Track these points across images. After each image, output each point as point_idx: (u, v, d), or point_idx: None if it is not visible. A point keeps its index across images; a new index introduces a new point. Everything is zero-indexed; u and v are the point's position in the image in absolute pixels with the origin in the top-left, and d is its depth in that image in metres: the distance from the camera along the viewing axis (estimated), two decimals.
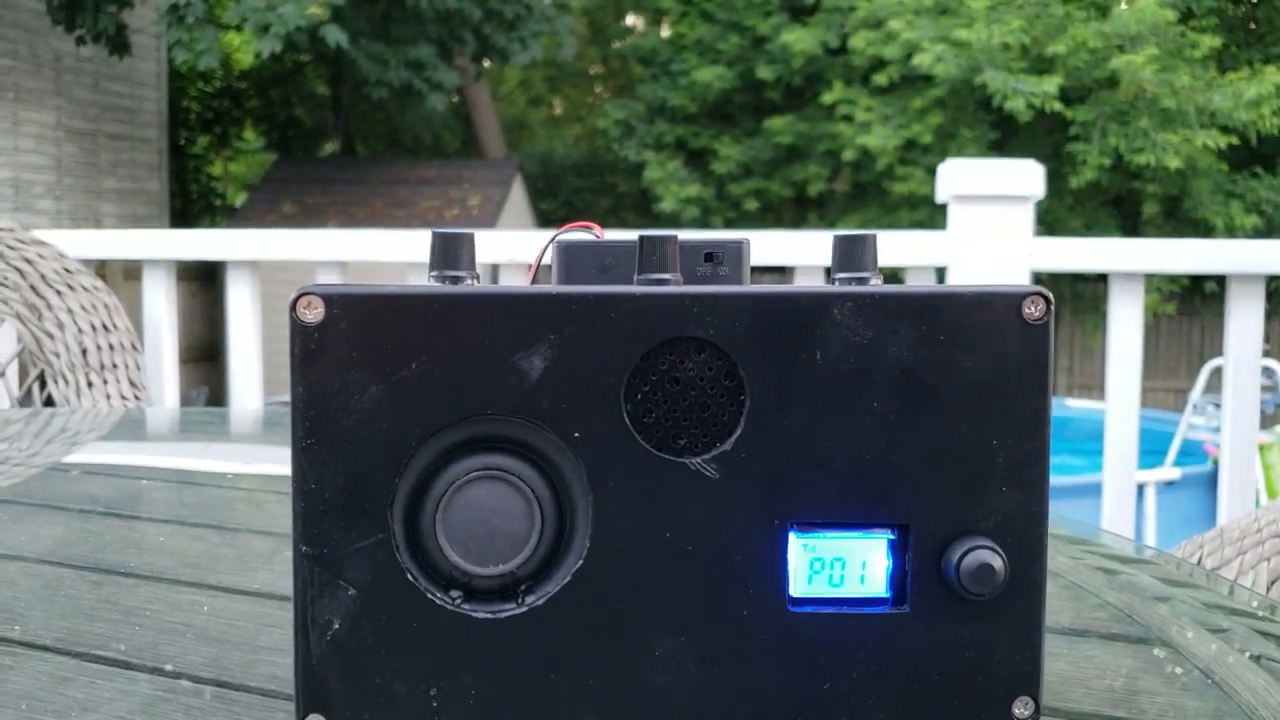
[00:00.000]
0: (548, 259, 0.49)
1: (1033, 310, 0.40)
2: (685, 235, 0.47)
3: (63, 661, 0.52)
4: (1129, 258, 2.10)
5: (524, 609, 0.40)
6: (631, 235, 0.45)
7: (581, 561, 0.40)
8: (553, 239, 0.49)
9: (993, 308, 0.40)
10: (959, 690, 0.41)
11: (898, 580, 0.41)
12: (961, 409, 0.40)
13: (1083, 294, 11.85)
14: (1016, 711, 0.41)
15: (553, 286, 0.41)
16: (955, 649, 0.41)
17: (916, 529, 0.41)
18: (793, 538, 0.41)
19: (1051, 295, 0.41)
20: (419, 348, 0.39)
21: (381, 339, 0.39)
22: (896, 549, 0.41)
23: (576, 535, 0.41)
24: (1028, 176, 2.09)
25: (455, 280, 0.42)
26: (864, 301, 0.40)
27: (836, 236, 0.43)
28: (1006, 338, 0.40)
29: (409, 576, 0.40)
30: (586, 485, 0.40)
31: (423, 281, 0.42)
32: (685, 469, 0.40)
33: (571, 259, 0.47)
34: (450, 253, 0.42)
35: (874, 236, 0.43)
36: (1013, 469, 0.41)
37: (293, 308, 0.39)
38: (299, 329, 0.39)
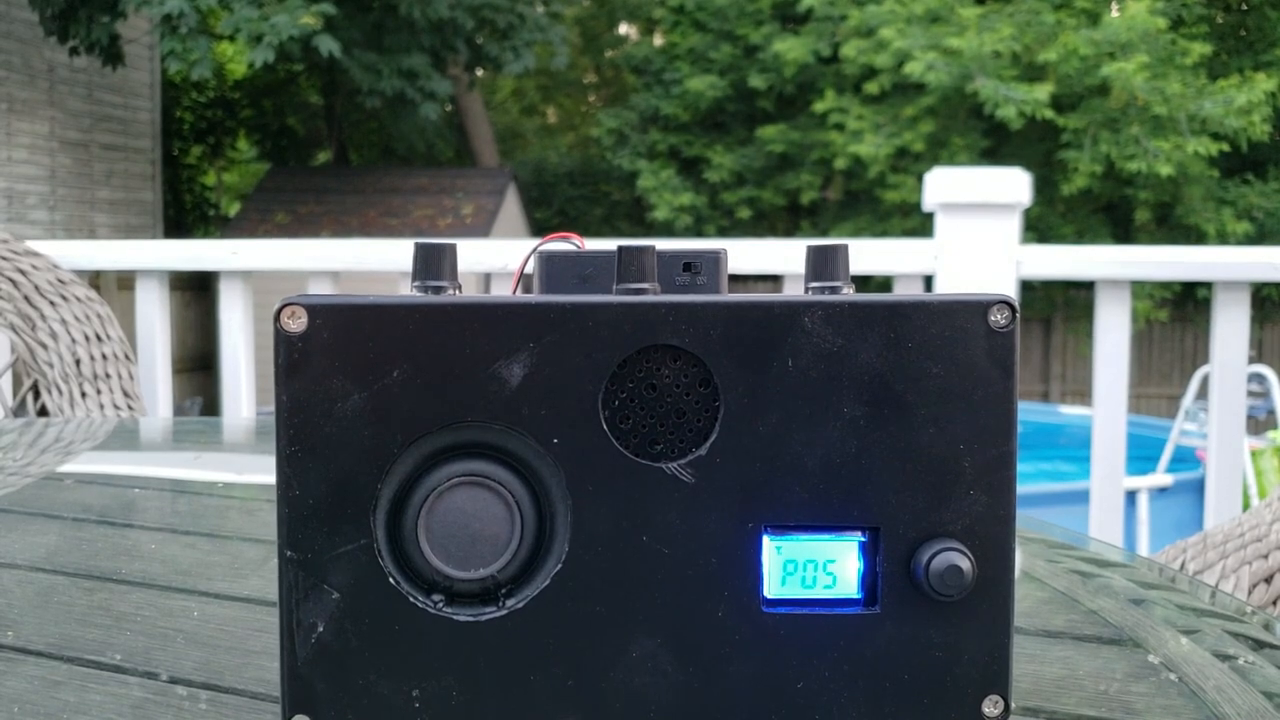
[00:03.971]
0: (530, 268, 0.50)
1: (998, 318, 0.41)
2: (664, 245, 0.48)
3: (55, 666, 0.53)
4: (1115, 265, 2.11)
5: (504, 612, 0.41)
6: (612, 245, 0.46)
7: (561, 565, 0.41)
8: (534, 249, 0.50)
9: (959, 316, 0.41)
10: (929, 689, 0.42)
11: (869, 581, 0.42)
12: (930, 414, 0.41)
13: (1075, 300, 11.88)
14: (986, 710, 0.42)
15: (532, 296, 0.42)
16: (925, 649, 0.42)
17: (887, 531, 0.42)
18: (766, 540, 0.42)
19: (1017, 304, 0.42)
20: (401, 356, 0.40)
21: (364, 348, 0.40)
22: (867, 551, 0.42)
23: (556, 539, 0.42)
24: (1014, 184, 2.10)
25: (437, 290, 0.43)
26: (834, 310, 0.41)
27: (809, 247, 0.44)
28: (973, 345, 0.41)
29: (391, 580, 0.41)
30: (565, 490, 0.41)
31: (408, 292, 0.43)
32: (662, 474, 0.41)
33: (553, 269, 0.48)
34: (432, 263, 0.43)
35: (845, 246, 0.44)
36: (980, 473, 0.42)
37: (276, 318, 0.40)
38: (283, 339, 0.40)
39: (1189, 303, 11.93)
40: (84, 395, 1.62)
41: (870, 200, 12.26)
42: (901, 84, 11.17)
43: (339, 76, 11.27)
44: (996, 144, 11.66)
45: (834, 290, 0.43)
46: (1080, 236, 11.50)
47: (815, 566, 0.42)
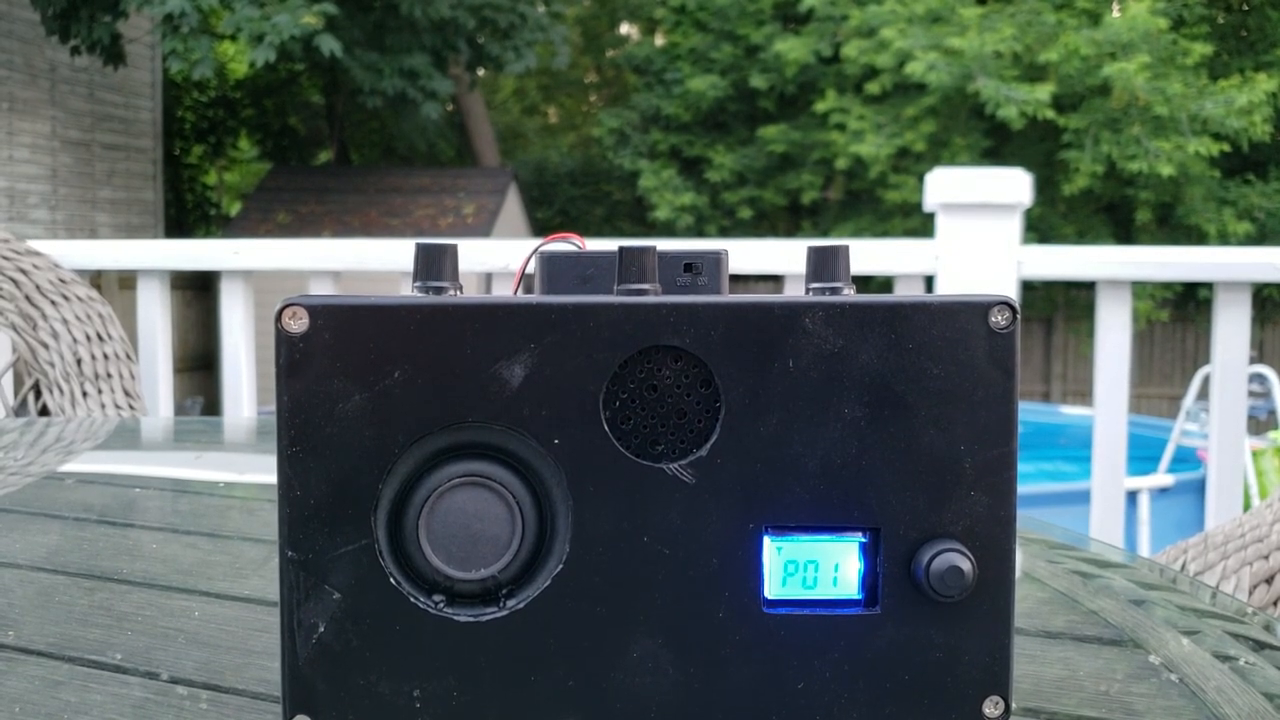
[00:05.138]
0: (531, 269, 0.50)
1: (999, 319, 0.41)
2: (665, 246, 0.48)
3: (56, 666, 0.53)
4: (1116, 265, 2.11)
5: (505, 612, 0.41)
6: (613, 246, 0.46)
7: (562, 566, 0.41)
8: (535, 250, 0.50)
9: (960, 317, 0.41)
10: (930, 690, 0.42)
11: (869, 582, 0.42)
12: (930, 415, 0.41)
13: (1076, 300, 11.88)
14: (986, 711, 0.42)
15: (533, 297, 0.42)
16: (926, 649, 0.42)
17: (887, 532, 0.42)
18: (767, 541, 0.42)
19: (1018, 304, 0.42)
20: (402, 357, 0.40)
21: (365, 348, 0.40)
22: (868, 552, 0.42)
23: (557, 540, 0.42)
24: (1015, 185, 2.10)
25: (438, 291, 0.43)
26: (834, 311, 0.41)
27: (810, 247, 0.44)
28: (974, 346, 0.41)
29: (392, 581, 0.41)
30: (566, 491, 0.41)
31: (409, 292, 0.43)
32: (663, 474, 0.41)
33: (554, 269, 0.48)
34: (433, 263, 0.43)
35: (846, 247, 0.44)
36: (981, 474, 0.42)
37: (278, 318, 0.40)
38: (284, 339, 0.40)
39: (1190, 303, 11.93)
40: (85, 395, 1.62)
41: (871, 200, 12.26)
42: (903, 84, 11.16)
43: (340, 76, 11.27)
44: (998, 144, 11.66)
45: (835, 291, 0.43)
46: (1081, 237, 11.50)
47: (816, 567, 0.42)
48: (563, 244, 0.50)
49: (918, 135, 11.19)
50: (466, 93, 13.10)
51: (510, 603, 0.41)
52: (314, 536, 0.41)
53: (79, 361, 1.63)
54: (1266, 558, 0.94)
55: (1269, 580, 0.92)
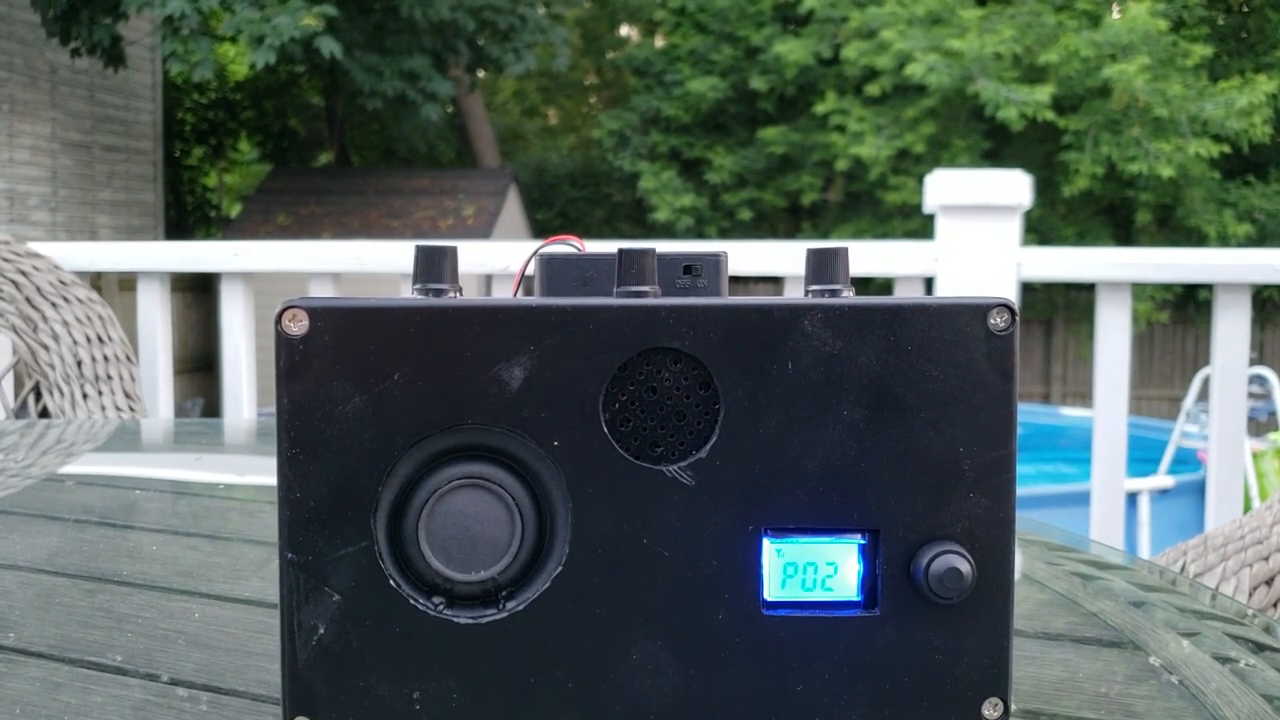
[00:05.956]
0: (531, 271, 0.50)
1: (998, 321, 0.41)
2: (664, 248, 0.48)
3: (56, 668, 0.53)
4: (1116, 267, 2.11)
5: (505, 614, 0.41)
6: (613, 248, 0.46)
7: (561, 567, 0.41)
8: (535, 252, 0.50)
9: (959, 319, 0.41)
10: (929, 691, 0.42)
11: (868, 584, 0.42)
12: (929, 417, 0.41)
13: (1076, 302, 11.88)
14: (986, 712, 0.42)
15: (532, 299, 0.42)
16: (925, 651, 0.42)
17: (887, 534, 0.42)
18: (766, 543, 0.42)
19: (1017, 306, 0.42)
20: (402, 359, 0.40)
21: (365, 351, 0.40)
22: (867, 553, 0.42)
23: (556, 542, 0.42)
24: (1015, 186, 2.10)
25: (438, 293, 0.43)
26: (833, 313, 0.41)
27: (809, 250, 0.44)
28: (973, 348, 0.41)
29: (392, 583, 0.41)
30: (566, 493, 0.41)
31: (408, 294, 0.43)
32: (662, 476, 0.41)
33: (553, 272, 0.48)
34: (433, 266, 0.43)
35: (845, 249, 0.44)
36: (980, 475, 0.42)
37: (278, 321, 0.40)
38: (284, 341, 0.40)
39: (1190, 304, 11.93)
40: (85, 396, 1.62)
41: (871, 202, 12.26)
42: (902, 85, 11.17)
43: (340, 78, 11.28)
44: (997, 145, 11.67)
45: (834, 293, 0.43)
46: (1081, 238, 11.50)
47: (815, 569, 0.42)
48: (562, 246, 0.50)
49: (917, 137, 11.19)
50: (466, 94, 13.10)
51: (510, 604, 0.41)
52: (314, 538, 0.41)
53: (79, 363, 1.63)
54: (1266, 559, 0.94)
55: (1269, 582, 0.92)
